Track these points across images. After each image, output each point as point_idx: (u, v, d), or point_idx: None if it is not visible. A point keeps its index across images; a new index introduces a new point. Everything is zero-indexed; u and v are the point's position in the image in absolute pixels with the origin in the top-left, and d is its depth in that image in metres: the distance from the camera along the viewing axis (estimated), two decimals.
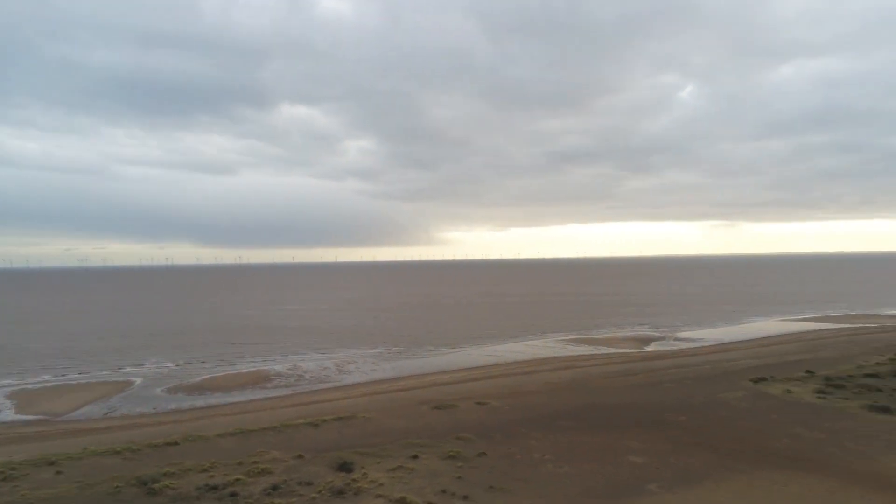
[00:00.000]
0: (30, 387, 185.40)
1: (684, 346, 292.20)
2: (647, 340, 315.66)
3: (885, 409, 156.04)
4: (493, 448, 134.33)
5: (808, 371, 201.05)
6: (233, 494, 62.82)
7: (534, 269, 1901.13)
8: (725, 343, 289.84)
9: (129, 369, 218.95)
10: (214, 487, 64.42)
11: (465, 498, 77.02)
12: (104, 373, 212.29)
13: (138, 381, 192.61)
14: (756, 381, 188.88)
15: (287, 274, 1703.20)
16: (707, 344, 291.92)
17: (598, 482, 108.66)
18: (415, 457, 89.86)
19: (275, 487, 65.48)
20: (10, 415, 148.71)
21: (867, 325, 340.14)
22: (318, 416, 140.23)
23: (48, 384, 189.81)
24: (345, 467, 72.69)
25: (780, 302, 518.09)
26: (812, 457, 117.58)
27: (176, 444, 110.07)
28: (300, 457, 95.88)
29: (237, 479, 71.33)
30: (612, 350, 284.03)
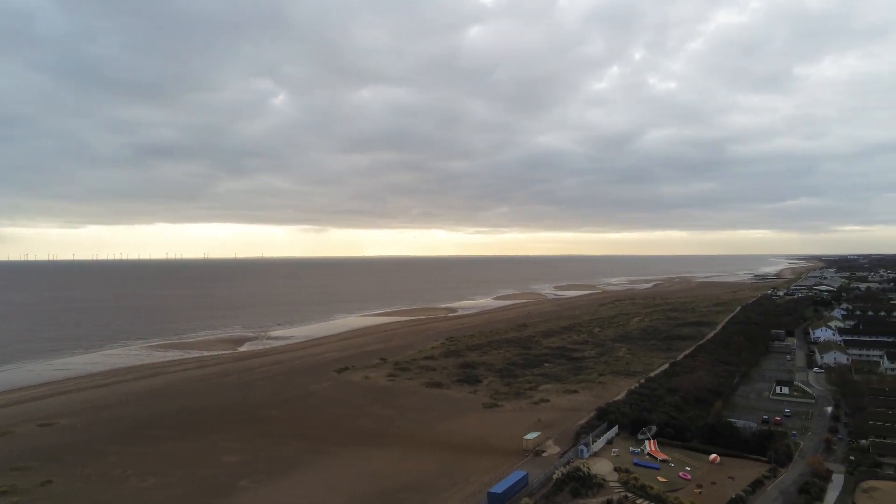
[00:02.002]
0: None
1: (277, 344, 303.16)
2: (241, 341, 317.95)
3: (438, 385, 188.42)
4: (64, 473, 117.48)
5: (381, 358, 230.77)
6: None
7: (116, 270, 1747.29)
8: (315, 339, 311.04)
9: None
10: None
11: None
12: None
13: None
14: (340, 370, 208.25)
15: None
16: (298, 340, 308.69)
17: (187, 489, 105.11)
18: None
19: None
20: None
21: (425, 316, 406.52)
22: None
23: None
24: None
25: (361, 299, 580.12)
26: (387, 431, 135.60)
27: None
28: None
29: None
30: (205, 353, 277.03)
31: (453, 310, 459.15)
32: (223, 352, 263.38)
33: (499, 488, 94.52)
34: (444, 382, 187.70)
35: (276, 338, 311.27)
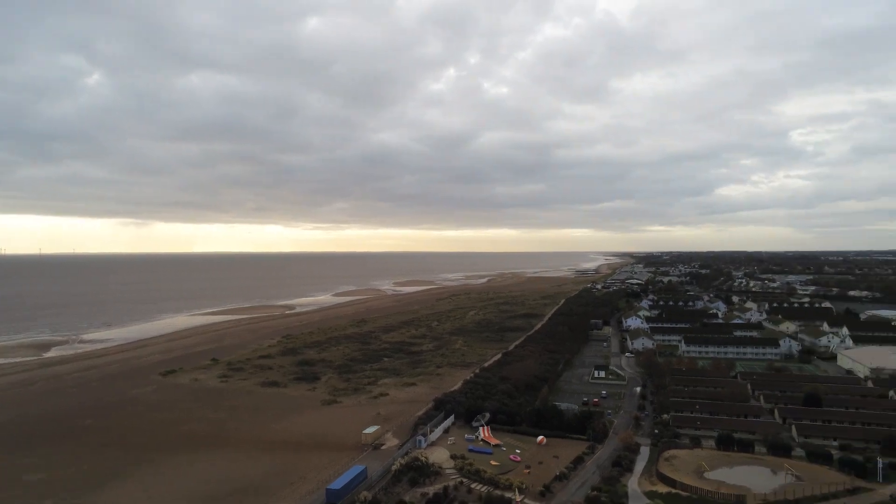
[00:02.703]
0: None
1: (91, 347, 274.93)
2: (47, 346, 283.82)
3: (275, 384, 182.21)
4: None
5: (213, 359, 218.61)
6: None
7: None
8: (136, 341, 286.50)
9: None
10: None
11: None
12: None
13: None
14: (166, 373, 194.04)
15: None
16: (116, 343, 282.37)
17: None
18: None
19: None
20: None
21: (261, 314, 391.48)
22: None
23: None
24: None
25: (190, 297, 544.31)
26: (217, 434, 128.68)
27: None
28: None
29: None
30: (2, 361, 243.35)
31: (291, 307, 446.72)
32: (25, 358, 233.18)
33: (337, 484, 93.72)
34: (281, 381, 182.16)
35: (91, 341, 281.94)
